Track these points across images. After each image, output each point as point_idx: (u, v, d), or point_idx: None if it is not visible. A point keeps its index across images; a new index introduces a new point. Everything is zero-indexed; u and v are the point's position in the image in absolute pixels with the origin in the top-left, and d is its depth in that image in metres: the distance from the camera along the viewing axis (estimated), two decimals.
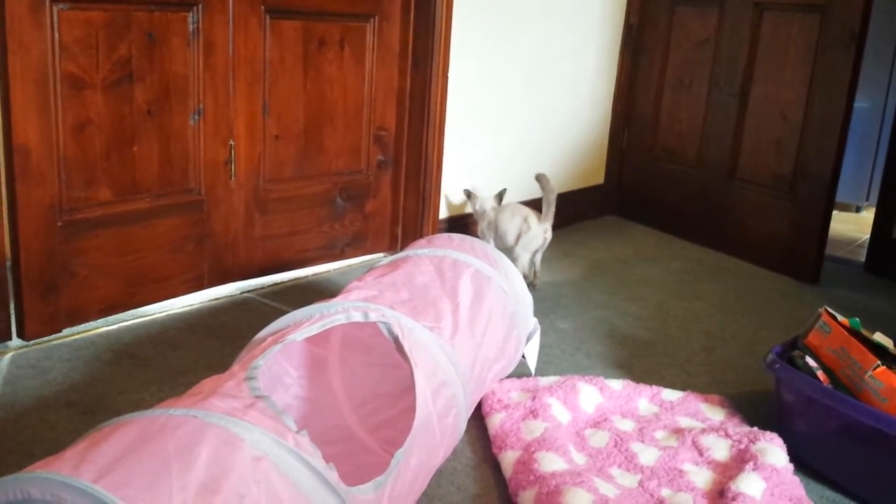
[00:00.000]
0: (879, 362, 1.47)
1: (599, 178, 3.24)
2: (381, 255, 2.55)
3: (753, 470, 1.40)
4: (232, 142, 2.10)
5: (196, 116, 2.02)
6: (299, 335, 1.21)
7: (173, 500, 0.84)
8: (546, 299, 2.33)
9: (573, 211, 3.11)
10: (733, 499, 1.33)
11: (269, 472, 0.93)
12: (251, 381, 1.06)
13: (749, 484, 1.37)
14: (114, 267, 1.93)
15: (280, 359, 1.47)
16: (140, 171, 1.95)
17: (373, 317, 1.29)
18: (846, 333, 1.56)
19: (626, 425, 1.60)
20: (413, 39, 2.40)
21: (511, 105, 2.75)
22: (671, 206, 3.06)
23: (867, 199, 3.61)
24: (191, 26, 1.97)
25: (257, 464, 0.93)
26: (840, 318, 1.61)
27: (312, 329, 1.24)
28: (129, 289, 1.97)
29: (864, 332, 1.62)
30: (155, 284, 2.02)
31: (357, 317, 1.29)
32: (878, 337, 1.63)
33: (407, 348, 1.27)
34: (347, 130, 2.36)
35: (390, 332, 1.29)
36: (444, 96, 2.44)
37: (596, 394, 1.69)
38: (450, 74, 2.45)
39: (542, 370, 1.85)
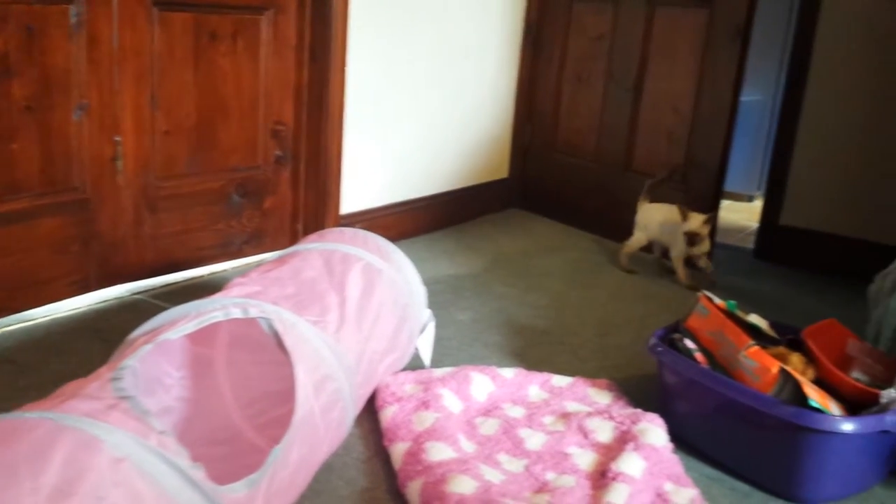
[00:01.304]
0: (752, 342, 1.54)
1: (504, 172, 3.28)
2: None
3: (634, 450, 1.45)
4: (118, 138, 2.04)
5: (79, 112, 1.95)
6: (173, 334, 1.19)
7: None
8: (447, 292, 2.35)
9: (478, 205, 3.15)
10: (614, 478, 1.37)
11: (130, 473, 0.91)
12: (116, 381, 1.03)
13: (629, 464, 1.41)
14: None
15: (159, 359, 1.44)
16: (19, 169, 1.87)
17: (252, 313, 1.27)
18: (722, 316, 1.62)
19: (516, 412, 1.63)
20: (310, 32, 2.38)
21: (413, 99, 2.76)
22: (572, 199, 3.13)
23: (759, 189, 3.77)
24: (73, 19, 1.90)
25: (117, 465, 0.91)
26: (717, 300, 1.68)
27: (188, 327, 1.21)
28: (9, 292, 1.89)
29: (740, 313, 1.69)
30: (38, 287, 1.94)
31: (236, 313, 1.27)
32: (754, 318, 1.70)
33: (288, 344, 1.26)
34: (242, 125, 2.32)
35: (271, 327, 1.27)
36: (342, 90, 2.43)
37: (488, 383, 1.71)
38: (348, 68, 2.43)
39: (438, 362, 1.86)
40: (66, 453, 0.88)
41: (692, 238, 2.46)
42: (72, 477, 0.87)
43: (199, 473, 0.97)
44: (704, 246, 2.50)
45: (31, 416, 0.92)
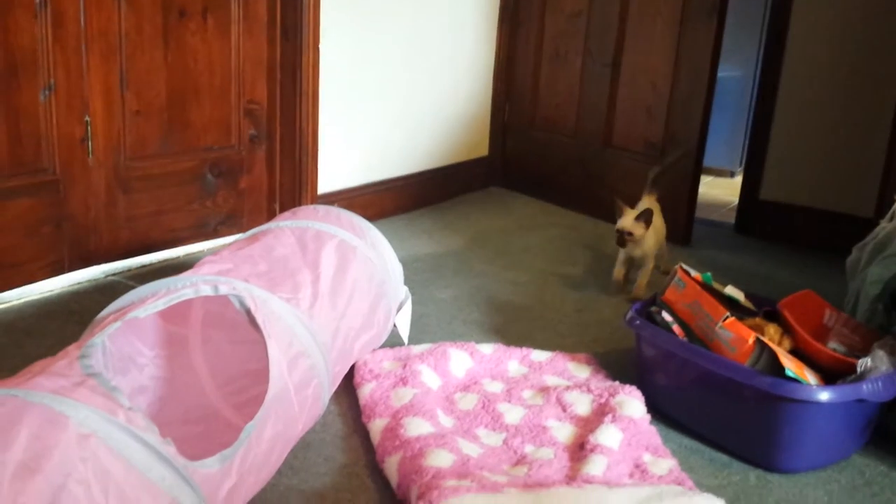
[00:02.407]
0: (729, 313, 1.54)
1: (483, 150, 3.26)
2: None
3: (612, 422, 1.45)
4: (88, 118, 2.00)
5: (47, 92, 1.91)
6: (143, 311, 1.17)
7: None
8: (427, 270, 2.33)
9: (458, 183, 3.13)
10: (592, 450, 1.37)
11: (98, 448, 0.90)
12: (84, 359, 1.02)
13: (607, 435, 1.41)
14: None
15: (132, 339, 1.42)
16: None
17: (223, 290, 1.26)
18: (699, 288, 1.62)
19: (495, 387, 1.62)
20: (281, 9, 2.34)
21: (389, 77, 2.73)
22: (552, 176, 3.11)
23: (741, 165, 3.77)
24: None
25: (84, 441, 0.89)
26: (693, 273, 1.68)
27: (158, 305, 1.19)
28: None
29: (716, 285, 1.69)
30: (9, 270, 1.91)
31: (206, 290, 1.25)
32: (730, 290, 1.70)
33: (260, 320, 1.24)
34: (215, 104, 2.28)
35: (242, 304, 1.26)
36: (316, 68, 2.40)
37: (466, 358, 1.70)
38: (322, 46, 2.40)
39: (418, 339, 1.85)
40: (33, 429, 0.87)
41: (621, 237, 2.15)
42: (38, 453, 0.85)
43: (169, 449, 0.96)
44: (644, 247, 2.18)
45: None
